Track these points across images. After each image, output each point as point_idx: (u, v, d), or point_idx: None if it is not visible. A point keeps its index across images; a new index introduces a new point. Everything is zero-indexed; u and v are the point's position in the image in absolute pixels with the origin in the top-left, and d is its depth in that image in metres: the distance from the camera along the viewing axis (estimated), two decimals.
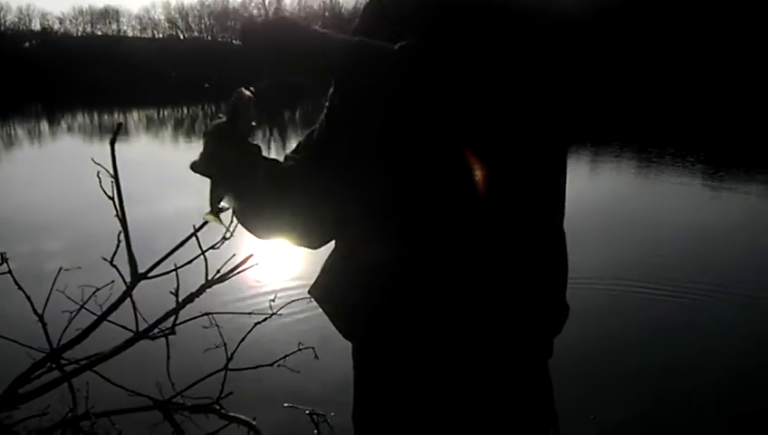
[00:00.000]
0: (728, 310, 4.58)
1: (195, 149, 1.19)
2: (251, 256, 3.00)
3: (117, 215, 2.78)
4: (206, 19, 67.58)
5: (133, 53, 54.83)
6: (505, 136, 1.15)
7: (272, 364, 3.23)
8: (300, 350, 3.22)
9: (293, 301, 3.26)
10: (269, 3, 65.61)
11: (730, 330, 4.23)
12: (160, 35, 67.60)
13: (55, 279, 2.91)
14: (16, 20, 61.82)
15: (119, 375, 3.10)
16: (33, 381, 2.86)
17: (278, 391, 3.32)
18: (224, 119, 1.14)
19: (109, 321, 2.92)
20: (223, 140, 1.13)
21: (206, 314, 3.14)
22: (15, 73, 44.76)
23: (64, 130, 23.97)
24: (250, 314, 3.32)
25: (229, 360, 3.17)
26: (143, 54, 54.56)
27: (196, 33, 67.60)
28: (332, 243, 1.39)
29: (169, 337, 3.04)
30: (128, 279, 2.89)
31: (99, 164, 2.65)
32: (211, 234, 2.91)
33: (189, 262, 2.92)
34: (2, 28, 59.43)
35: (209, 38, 66.41)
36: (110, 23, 66.60)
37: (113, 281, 2.94)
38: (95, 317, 2.92)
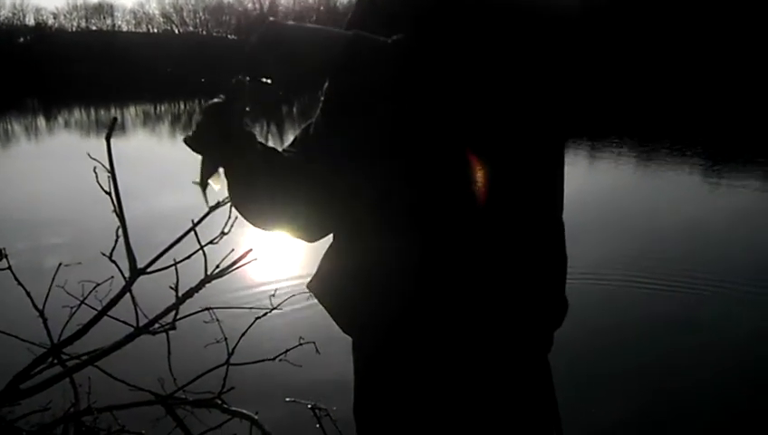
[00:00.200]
0: (728, 304, 4.58)
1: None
2: (250, 250, 3.00)
3: (114, 210, 2.77)
4: (200, 14, 67.43)
5: (128, 48, 54.67)
6: (502, 130, 1.14)
7: (273, 359, 3.24)
8: (301, 344, 3.21)
9: (294, 295, 3.26)
10: None
11: (730, 324, 4.22)
12: (155, 30, 67.46)
13: (55, 274, 2.91)
14: (10, 15, 61.58)
15: (120, 370, 3.10)
16: (35, 376, 2.86)
17: (280, 385, 3.33)
18: (219, 99, 1.15)
19: (109, 316, 2.92)
20: (215, 117, 1.14)
21: (207, 308, 3.14)
22: (10, 69, 44.57)
23: (61, 125, 23.89)
24: (250, 308, 3.32)
25: (230, 354, 3.17)
26: (138, 49, 54.40)
27: (191, 28, 67.42)
28: (330, 237, 1.39)
29: (170, 332, 3.04)
30: (127, 274, 2.89)
31: (95, 159, 2.65)
32: (210, 229, 2.91)
33: (188, 257, 2.92)
34: None
35: (204, 33, 66.23)
36: (104, 18, 66.40)
37: (113, 276, 2.94)
38: (95, 312, 2.92)
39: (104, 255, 2.84)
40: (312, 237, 1.39)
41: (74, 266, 3.09)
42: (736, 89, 26.40)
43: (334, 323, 1.37)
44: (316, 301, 1.39)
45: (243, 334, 3.20)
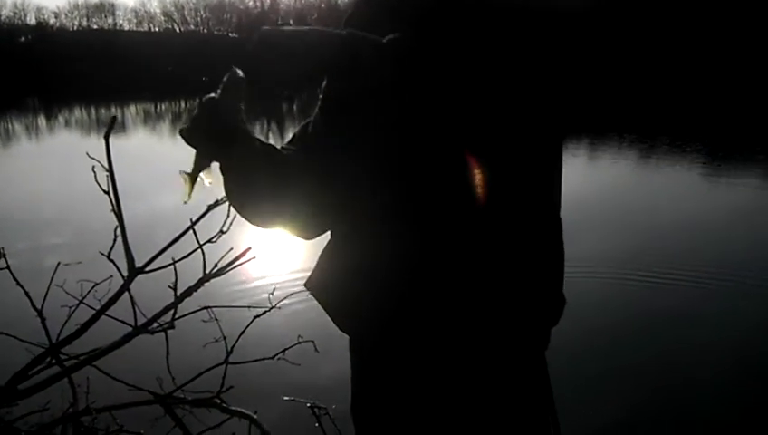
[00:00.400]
0: (728, 300, 4.58)
1: None
2: (249, 249, 3.00)
3: (113, 209, 2.77)
4: (201, 12, 67.51)
5: (129, 47, 54.70)
6: (501, 128, 1.14)
7: (272, 358, 3.23)
8: (300, 343, 3.21)
9: (292, 294, 3.26)
10: None
11: (731, 319, 4.22)
12: (156, 29, 67.50)
13: (54, 274, 2.91)
14: (11, 15, 61.68)
15: (119, 370, 3.10)
16: (33, 376, 2.86)
17: (279, 384, 3.32)
18: (215, 94, 1.15)
19: (107, 316, 2.91)
20: (210, 111, 1.14)
21: (205, 307, 3.13)
22: (11, 68, 44.64)
23: (61, 124, 23.93)
24: (249, 307, 3.31)
25: (229, 353, 3.17)
26: (139, 48, 54.44)
27: (192, 27, 67.49)
28: (327, 235, 1.39)
29: (169, 331, 3.03)
30: (125, 274, 2.88)
31: (94, 158, 2.64)
32: (209, 228, 2.91)
33: (187, 256, 2.92)
34: None
35: (205, 31, 66.29)
36: (105, 16, 66.49)
37: (112, 276, 2.94)
38: (94, 312, 2.91)
39: (102, 254, 2.83)
40: (309, 235, 1.38)
41: (73, 266, 3.10)
42: (735, 85, 26.39)
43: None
44: (314, 299, 1.38)
45: (241, 333, 3.19)
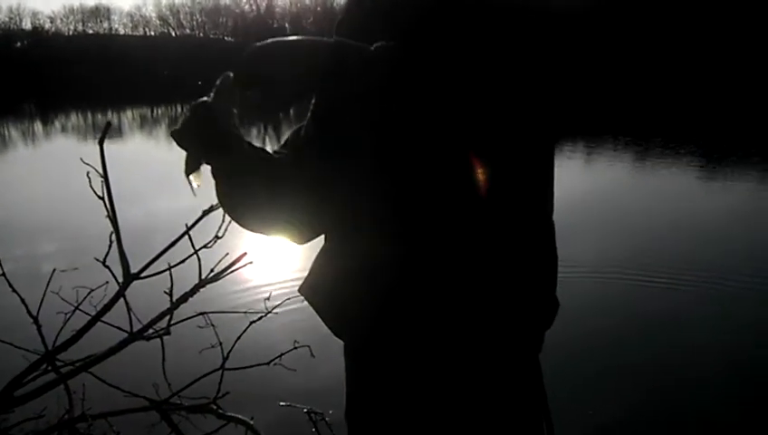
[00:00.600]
0: (722, 301, 4.59)
1: None
2: (244, 254, 2.99)
3: (108, 215, 2.77)
4: (197, 16, 67.55)
5: (125, 52, 54.71)
6: (494, 131, 1.14)
7: (268, 363, 3.23)
8: (296, 348, 3.21)
9: (288, 299, 3.25)
10: None
11: (725, 321, 4.24)
12: (152, 33, 67.54)
13: (49, 281, 2.90)
14: (7, 20, 61.79)
15: (115, 376, 3.09)
16: (29, 383, 2.85)
17: (275, 389, 3.32)
18: (207, 97, 1.16)
19: (103, 322, 2.91)
20: (201, 114, 1.14)
21: (201, 313, 3.13)
22: (7, 74, 44.58)
23: (58, 129, 23.89)
24: (245, 313, 3.31)
25: (225, 359, 3.16)
26: (135, 52, 54.44)
27: (187, 31, 67.51)
28: (321, 240, 1.39)
29: (165, 337, 3.03)
30: (120, 280, 2.88)
31: (88, 164, 2.65)
32: (204, 233, 2.91)
33: (182, 261, 2.91)
34: None
35: (201, 35, 66.30)
36: (101, 21, 66.58)
37: (107, 282, 2.94)
38: (90, 318, 2.91)
39: (98, 260, 2.83)
40: (302, 239, 1.38)
41: (69, 272, 3.09)
42: (729, 87, 26.47)
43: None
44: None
45: (237, 339, 3.19)
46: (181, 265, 2.94)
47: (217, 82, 1.15)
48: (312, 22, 62.66)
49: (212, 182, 1.26)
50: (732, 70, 30.21)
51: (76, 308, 2.94)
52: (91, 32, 65.56)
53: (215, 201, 1.31)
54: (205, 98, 1.15)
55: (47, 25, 64.24)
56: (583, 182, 9.27)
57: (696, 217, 7.28)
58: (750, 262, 5.41)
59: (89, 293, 2.96)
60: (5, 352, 2.90)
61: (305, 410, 3.16)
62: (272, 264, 4.92)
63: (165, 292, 2.94)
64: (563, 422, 1.41)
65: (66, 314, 2.92)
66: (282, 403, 3.23)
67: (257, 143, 1.30)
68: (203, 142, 1.16)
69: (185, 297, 2.96)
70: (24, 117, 29.83)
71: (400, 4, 1.21)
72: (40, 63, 50.41)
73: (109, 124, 2.96)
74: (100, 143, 2.71)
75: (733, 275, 5.04)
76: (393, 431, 1.33)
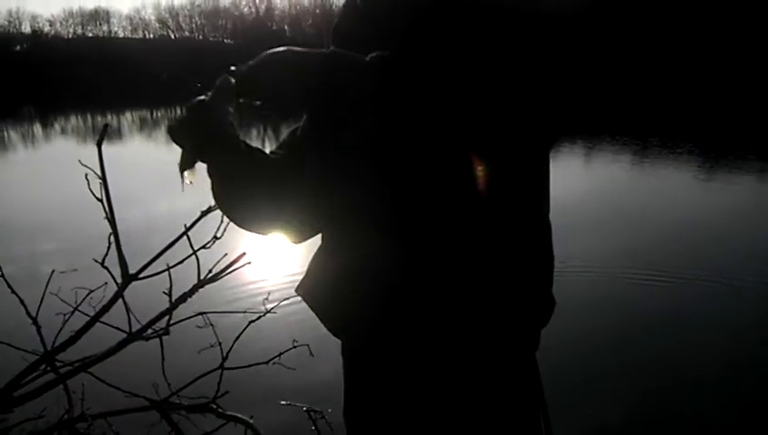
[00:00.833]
0: (721, 299, 4.60)
1: None
2: (243, 254, 3.00)
3: (106, 216, 2.78)
4: (196, 18, 67.52)
5: (124, 54, 54.63)
6: (490, 132, 1.15)
7: (267, 362, 3.23)
8: (294, 347, 3.22)
9: (287, 299, 3.26)
10: (259, 1, 65.48)
11: (724, 319, 4.24)
12: (151, 36, 67.51)
13: (48, 281, 2.91)
14: (6, 23, 61.78)
15: (114, 377, 3.10)
16: (28, 383, 2.86)
17: (274, 389, 3.33)
18: (204, 96, 1.16)
19: (102, 322, 2.92)
20: (197, 113, 1.15)
21: (200, 313, 3.15)
22: (7, 77, 44.55)
23: (57, 132, 23.90)
24: (244, 312, 3.32)
25: (224, 359, 3.17)
26: (134, 55, 54.35)
27: (187, 33, 67.50)
28: (317, 240, 1.40)
29: (164, 338, 3.04)
30: (119, 280, 2.89)
31: (87, 166, 2.66)
32: (203, 233, 2.92)
33: (181, 262, 2.92)
34: None
35: (200, 37, 66.31)
36: (100, 24, 66.51)
37: (106, 283, 2.95)
38: (88, 319, 2.92)
39: (96, 261, 2.84)
40: (298, 239, 1.39)
41: (69, 273, 3.11)
42: (727, 86, 26.48)
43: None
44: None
45: (237, 338, 3.20)
46: (180, 265, 2.95)
47: (216, 83, 1.16)
48: (310, 24, 62.66)
49: (208, 182, 1.27)
50: (730, 70, 30.22)
51: (75, 309, 2.95)
52: (90, 35, 65.49)
53: (213, 202, 1.32)
54: (202, 97, 1.16)
55: (46, 29, 64.25)
56: (582, 181, 9.28)
57: (695, 216, 7.29)
58: (750, 260, 5.42)
59: (88, 293, 2.97)
60: (5, 352, 2.91)
61: (305, 409, 3.16)
62: (270, 264, 4.93)
63: (164, 292, 2.94)
64: (563, 421, 1.41)
65: (65, 314, 2.93)
66: (281, 402, 3.24)
67: (256, 144, 1.31)
68: (198, 140, 1.17)
69: (184, 297, 2.96)
70: (24, 120, 29.84)
71: (397, 7, 1.22)
72: (39, 66, 50.36)
73: (106, 126, 2.97)
74: (99, 145, 2.72)
75: (732, 273, 5.04)
76: (392, 430, 1.33)
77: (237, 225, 1.34)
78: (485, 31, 1.14)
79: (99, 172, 2.74)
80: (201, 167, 1.21)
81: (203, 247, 2.94)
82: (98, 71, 49.44)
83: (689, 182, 9.57)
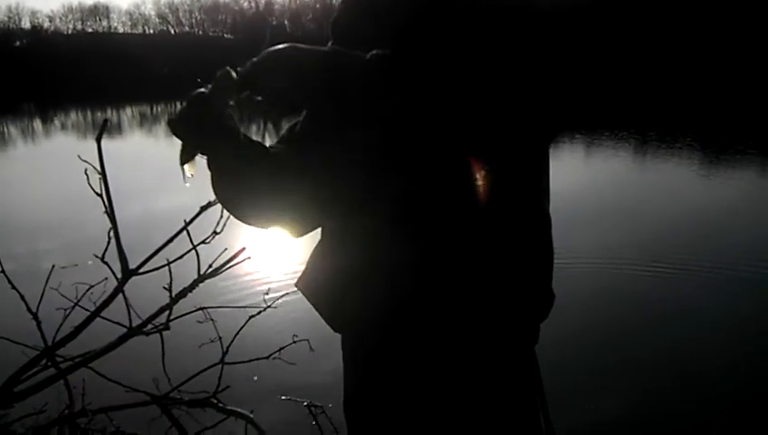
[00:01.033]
0: (726, 292, 4.61)
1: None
2: (243, 249, 3.01)
3: (105, 211, 2.78)
4: (196, 14, 67.46)
5: (124, 50, 54.61)
6: (491, 127, 1.15)
7: (267, 357, 3.24)
8: (295, 342, 3.22)
9: (287, 293, 3.26)
10: None
11: (725, 313, 4.25)
12: (151, 31, 67.46)
13: (48, 277, 2.92)
14: (6, 19, 61.72)
15: (115, 371, 3.10)
16: (29, 379, 2.87)
17: (275, 383, 3.33)
18: (204, 89, 1.16)
19: (102, 317, 2.92)
20: (197, 106, 1.15)
21: (201, 308, 3.15)
22: (7, 73, 44.52)
23: (57, 128, 23.90)
24: (244, 307, 3.32)
25: (225, 354, 3.17)
26: (134, 50, 54.33)
27: (186, 28, 67.43)
28: (316, 235, 1.39)
29: (164, 333, 3.04)
30: (119, 275, 2.89)
31: (86, 161, 2.66)
32: (202, 229, 2.92)
33: (181, 257, 2.93)
34: None
35: (200, 33, 66.25)
36: (100, 19, 66.46)
37: (106, 278, 2.96)
38: (89, 314, 2.92)
39: (96, 256, 2.85)
40: (298, 233, 1.39)
41: (68, 268, 3.11)
42: (727, 81, 26.45)
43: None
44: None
45: (237, 333, 3.20)
46: (180, 260, 2.95)
47: (216, 76, 1.15)
48: (311, 18, 62.56)
49: (208, 177, 1.27)
50: (729, 65, 30.18)
51: (75, 304, 2.95)
52: (90, 30, 65.47)
53: (213, 197, 1.32)
54: (202, 90, 1.16)
55: (46, 24, 64.22)
56: (584, 175, 9.29)
57: (695, 210, 7.29)
58: (749, 254, 5.42)
59: (88, 289, 2.98)
60: (5, 348, 2.92)
61: (305, 404, 3.16)
62: (270, 258, 4.93)
63: (164, 287, 2.95)
64: (563, 415, 1.41)
65: (65, 309, 2.94)
66: (282, 397, 3.24)
67: (257, 138, 1.31)
68: (198, 133, 1.16)
69: (184, 292, 2.97)
70: (24, 115, 29.84)
71: (398, 3, 1.21)
72: (39, 62, 50.34)
73: (106, 122, 2.97)
74: (98, 141, 2.72)
75: (733, 267, 5.05)
76: (393, 423, 1.34)
77: (238, 218, 1.34)
78: (485, 27, 1.14)
79: (98, 168, 2.74)
80: (201, 161, 1.21)
81: (203, 242, 2.94)
82: (98, 66, 49.39)
83: (689, 176, 9.57)
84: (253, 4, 67.17)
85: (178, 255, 2.95)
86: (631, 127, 15.55)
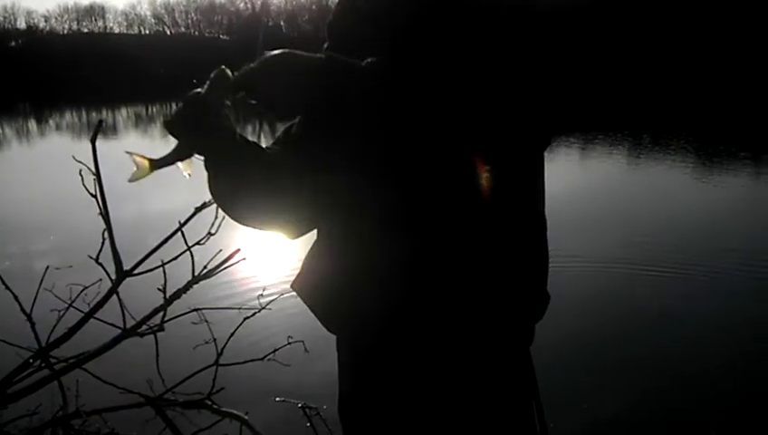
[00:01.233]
0: (721, 294, 4.62)
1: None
2: (238, 250, 3.00)
3: (100, 212, 2.77)
4: (192, 14, 67.43)
5: (120, 50, 54.57)
6: (487, 129, 1.15)
7: (262, 359, 3.24)
8: (289, 343, 3.22)
9: (281, 295, 3.26)
10: None
11: (720, 315, 4.26)
12: (147, 32, 67.38)
13: (43, 278, 2.91)
14: (1, 19, 61.54)
15: (109, 373, 3.10)
16: (23, 380, 2.86)
17: (269, 385, 3.33)
18: (200, 89, 1.16)
19: (96, 319, 2.91)
20: (193, 105, 1.15)
21: (195, 310, 3.14)
22: (2, 73, 44.42)
23: (53, 128, 23.84)
24: (239, 309, 3.32)
25: (219, 355, 3.17)
26: (130, 51, 54.30)
27: (182, 29, 67.39)
28: (312, 237, 1.39)
29: (159, 334, 3.03)
30: (113, 277, 2.88)
31: (81, 162, 2.65)
32: (197, 230, 2.91)
33: (175, 258, 2.92)
34: None
35: (196, 33, 66.19)
36: (95, 20, 66.41)
37: (101, 279, 2.94)
38: (83, 315, 2.92)
39: (91, 257, 2.83)
40: (294, 234, 1.39)
41: (63, 270, 3.10)
42: (722, 83, 26.55)
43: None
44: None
45: (231, 335, 3.20)
46: (174, 261, 2.94)
47: (212, 76, 1.15)
48: (307, 20, 62.59)
49: (204, 178, 1.27)
50: (723, 65, 30.29)
51: (69, 305, 2.94)
52: (85, 31, 65.46)
53: (207, 198, 1.31)
54: (198, 90, 1.16)
55: (41, 24, 64.19)
56: (578, 177, 9.31)
57: (690, 212, 7.32)
58: (745, 254, 5.44)
59: (82, 290, 2.96)
60: None
61: (300, 405, 3.16)
62: (265, 260, 4.92)
63: (158, 288, 2.94)
64: (558, 416, 1.41)
65: (60, 311, 2.93)
66: (276, 398, 3.24)
67: (253, 139, 1.31)
68: (194, 132, 1.16)
69: (178, 294, 2.96)
70: (19, 116, 29.75)
71: (398, 5, 1.21)
72: (34, 63, 50.27)
73: (101, 122, 2.95)
74: (93, 141, 2.71)
75: (728, 266, 5.08)
76: (388, 424, 1.34)
77: (233, 219, 1.33)
78: (485, 28, 1.14)
79: (93, 168, 2.73)
80: (196, 158, 1.20)
81: (197, 244, 2.94)
82: (93, 67, 49.32)
83: (683, 178, 9.60)
84: (249, 5, 67.17)
85: (173, 256, 2.94)
86: (626, 129, 15.61)
